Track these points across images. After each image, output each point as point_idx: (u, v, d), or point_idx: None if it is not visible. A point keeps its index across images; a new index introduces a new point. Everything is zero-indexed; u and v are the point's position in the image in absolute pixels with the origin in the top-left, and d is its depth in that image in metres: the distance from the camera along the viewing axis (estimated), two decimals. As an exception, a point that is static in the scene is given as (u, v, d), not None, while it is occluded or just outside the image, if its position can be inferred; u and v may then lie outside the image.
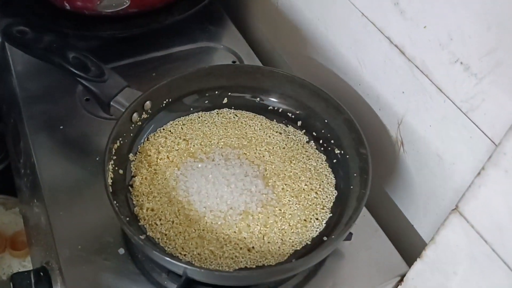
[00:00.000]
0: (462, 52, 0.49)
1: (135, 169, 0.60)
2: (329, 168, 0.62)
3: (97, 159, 0.64)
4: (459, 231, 0.47)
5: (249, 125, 0.66)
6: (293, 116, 0.67)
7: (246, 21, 0.92)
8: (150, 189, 0.58)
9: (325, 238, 0.55)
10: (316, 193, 0.59)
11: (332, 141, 0.63)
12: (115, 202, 0.52)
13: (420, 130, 0.58)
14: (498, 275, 0.45)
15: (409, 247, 0.62)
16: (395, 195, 0.65)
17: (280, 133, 0.65)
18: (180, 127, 0.65)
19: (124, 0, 0.74)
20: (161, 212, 0.56)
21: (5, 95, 0.83)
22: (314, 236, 0.56)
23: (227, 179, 0.58)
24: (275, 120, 0.67)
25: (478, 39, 0.47)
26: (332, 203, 0.59)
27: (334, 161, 0.62)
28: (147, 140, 0.63)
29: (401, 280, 0.57)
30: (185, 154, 0.62)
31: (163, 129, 0.64)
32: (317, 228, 0.57)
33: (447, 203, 0.56)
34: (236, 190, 0.57)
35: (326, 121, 0.64)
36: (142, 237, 0.52)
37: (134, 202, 0.57)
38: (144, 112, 0.62)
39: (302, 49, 0.77)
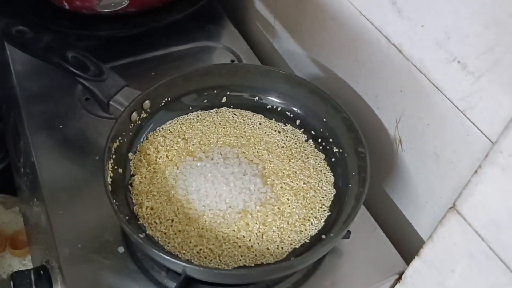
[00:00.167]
0: (459, 51, 0.49)
1: (135, 168, 0.60)
2: (327, 167, 0.62)
3: (97, 158, 0.65)
4: (457, 229, 0.47)
5: (248, 124, 0.66)
6: (291, 115, 0.67)
7: (245, 20, 0.92)
8: (150, 188, 0.58)
9: (323, 237, 0.55)
10: (314, 191, 0.59)
11: (331, 140, 0.63)
12: (114, 201, 0.52)
13: (418, 129, 0.58)
14: (495, 273, 0.45)
15: (407, 245, 0.62)
16: (393, 194, 0.66)
17: (279, 132, 0.66)
18: (179, 126, 0.65)
19: (123, -1, 0.74)
20: (161, 210, 0.56)
21: (4, 95, 0.83)
22: (313, 234, 0.56)
23: (226, 178, 0.59)
24: (273, 119, 0.67)
25: (476, 38, 0.47)
26: (330, 202, 0.59)
27: (333, 159, 0.62)
28: (146, 139, 0.63)
29: (399, 278, 0.58)
30: (184, 153, 0.62)
31: (162, 128, 0.65)
32: (316, 226, 0.57)
33: (445, 201, 0.56)
34: (235, 189, 0.58)
35: (324, 120, 0.64)
36: (142, 235, 0.52)
37: (134, 201, 0.57)
38: (143, 111, 0.63)
39: (300, 48, 0.77)
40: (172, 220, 0.56)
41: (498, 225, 0.43)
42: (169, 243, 0.54)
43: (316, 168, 0.62)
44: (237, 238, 0.55)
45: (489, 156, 0.42)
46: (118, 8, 0.75)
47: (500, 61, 0.45)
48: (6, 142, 0.91)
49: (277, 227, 0.56)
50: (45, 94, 0.73)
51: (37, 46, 0.65)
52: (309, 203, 0.58)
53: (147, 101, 0.62)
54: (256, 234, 0.55)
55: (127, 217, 0.54)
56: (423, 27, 0.53)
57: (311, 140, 0.65)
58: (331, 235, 0.54)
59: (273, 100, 0.68)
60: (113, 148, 0.58)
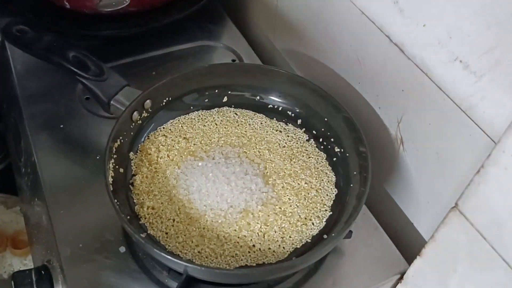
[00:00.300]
0: (461, 50, 0.49)
1: (136, 167, 0.60)
2: (329, 167, 0.62)
3: (98, 158, 0.65)
4: (459, 229, 0.47)
5: (249, 124, 0.66)
6: (293, 115, 0.67)
7: (246, 19, 0.92)
8: (151, 187, 0.58)
9: (325, 236, 0.55)
10: (316, 191, 0.59)
11: (332, 140, 0.63)
12: (115, 200, 0.52)
13: (419, 128, 0.58)
14: (497, 273, 0.45)
15: (408, 245, 0.62)
16: (395, 193, 0.66)
17: (280, 132, 0.66)
18: (180, 125, 0.65)
19: (123, -1, 0.74)
20: (162, 210, 0.56)
21: (5, 95, 0.83)
22: (314, 234, 0.56)
23: (227, 177, 0.58)
24: (275, 119, 0.67)
25: (477, 37, 0.47)
26: (332, 201, 0.59)
27: (334, 159, 0.62)
28: (148, 138, 0.63)
29: (401, 278, 0.58)
30: (185, 153, 0.62)
31: (163, 127, 0.65)
32: (317, 226, 0.57)
33: (446, 201, 0.56)
34: (236, 189, 0.58)
35: (325, 119, 0.64)
36: (143, 235, 0.52)
37: (135, 201, 0.57)
38: (144, 111, 0.62)
39: (301, 47, 0.77)
40: (174, 220, 0.56)
41: (501, 224, 0.43)
42: (170, 243, 0.54)
43: (318, 168, 0.62)
44: (238, 237, 0.55)
45: (492, 156, 0.42)
46: (119, 7, 0.75)
47: (501, 61, 0.45)
48: (7, 142, 0.91)
49: (279, 227, 0.56)
50: (45, 93, 0.73)
51: (37, 46, 0.65)
52: (311, 203, 0.58)
53: (148, 101, 0.62)
54: (258, 233, 0.55)
55: (128, 217, 0.53)
56: (425, 27, 0.53)
57: (312, 139, 0.65)
58: (333, 234, 0.54)
59: (275, 99, 0.68)
60: (114, 148, 0.58)
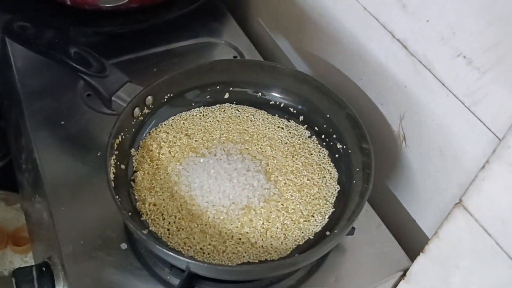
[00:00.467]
0: (464, 46, 0.49)
1: (137, 164, 0.60)
2: (331, 163, 0.62)
3: (99, 154, 0.64)
4: (463, 225, 0.47)
5: (251, 120, 0.66)
6: (295, 111, 0.67)
7: (247, 15, 0.92)
8: (152, 184, 0.58)
9: (327, 233, 0.55)
10: (318, 188, 0.59)
11: (334, 136, 0.63)
12: (117, 197, 0.52)
13: (422, 125, 0.58)
14: (501, 269, 0.45)
15: (411, 241, 0.62)
16: (398, 190, 0.65)
17: (282, 128, 0.65)
18: (181, 122, 0.65)
19: (124, -5, 0.74)
20: (164, 207, 0.56)
21: (6, 91, 0.82)
22: (317, 231, 0.56)
23: (229, 174, 0.58)
24: (277, 115, 0.67)
25: (481, 33, 0.47)
26: (334, 198, 0.59)
27: (337, 156, 0.62)
28: (149, 135, 0.63)
29: (404, 274, 0.57)
30: (187, 149, 0.62)
31: (165, 124, 0.64)
32: (320, 222, 0.57)
33: (449, 197, 0.56)
34: (238, 185, 0.57)
35: (328, 116, 0.64)
36: (145, 232, 0.52)
37: (137, 197, 0.57)
38: (145, 107, 0.62)
39: (303, 43, 0.77)
40: (175, 217, 0.55)
41: (505, 220, 0.43)
42: (172, 239, 0.54)
43: (320, 165, 0.62)
44: (240, 234, 0.55)
45: (497, 152, 0.42)
46: (120, 3, 0.75)
47: (505, 56, 0.45)
48: (8, 138, 0.91)
49: (281, 224, 0.56)
50: (46, 90, 0.72)
51: (39, 42, 0.65)
52: (313, 200, 0.58)
53: (149, 97, 0.62)
54: (260, 230, 0.55)
55: (130, 213, 0.53)
56: (428, 22, 0.52)
57: (314, 136, 0.65)
58: (335, 231, 0.54)
59: (276, 96, 0.67)
60: (115, 144, 0.57)
